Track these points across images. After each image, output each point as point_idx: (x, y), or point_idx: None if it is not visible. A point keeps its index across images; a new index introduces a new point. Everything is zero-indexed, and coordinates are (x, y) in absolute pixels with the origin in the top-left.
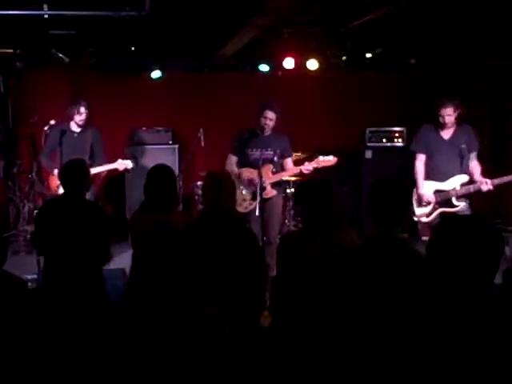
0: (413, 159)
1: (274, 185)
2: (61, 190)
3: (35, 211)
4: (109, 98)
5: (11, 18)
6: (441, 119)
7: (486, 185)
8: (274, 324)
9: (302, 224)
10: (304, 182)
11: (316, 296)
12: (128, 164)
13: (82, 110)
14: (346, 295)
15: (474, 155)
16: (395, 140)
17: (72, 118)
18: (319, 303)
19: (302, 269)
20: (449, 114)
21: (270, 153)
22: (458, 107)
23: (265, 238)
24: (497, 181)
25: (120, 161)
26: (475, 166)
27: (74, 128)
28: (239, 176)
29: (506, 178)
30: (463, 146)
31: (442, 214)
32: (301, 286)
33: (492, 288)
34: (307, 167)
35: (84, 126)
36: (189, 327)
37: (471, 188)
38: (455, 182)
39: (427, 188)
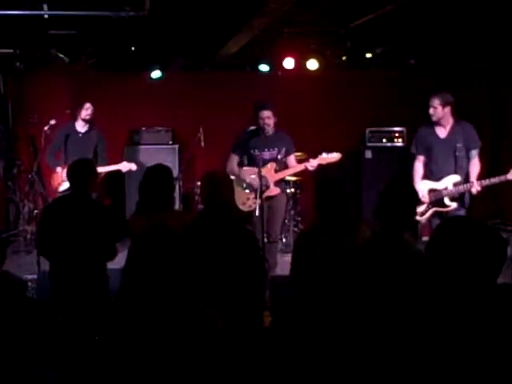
0: (413, 159)
1: (278, 183)
2: (61, 188)
3: (35, 211)
4: (109, 98)
5: (11, 18)
6: (429, 110)
7: (474, 187)
8: (274, 324)
9: (317, 221)
10: (323, 179)
11: (324, 293)
12: (132, 166)
13: (88, 105)
14: (347, 293)
15: (474, 153)
16: (395, 140)
17: (77, 118)
18: (326, 300)
19: (313, 266)
20: (434, 107)
21: (273, 152)
22: (445, 102)
23: (266, 237)
24: (485, 182)
25: (125, 163)
26: (474, 165)
27: (80, 128)
28: (240, 175)
29: (493, 180)
30: (459, 144)
31: (435, 213)
32: (311, 283)
33: (492, 291)
34: (312, 164)
35: (89, 126)
36: (181, 325)
37: (461, 188)
38: (447, 182)
39: (422, 187)
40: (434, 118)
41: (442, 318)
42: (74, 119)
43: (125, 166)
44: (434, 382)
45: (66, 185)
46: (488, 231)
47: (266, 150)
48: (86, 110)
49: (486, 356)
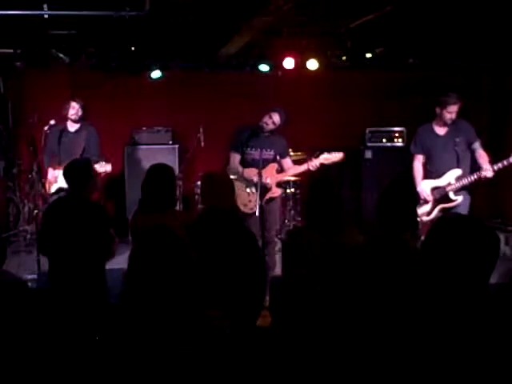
0: (412, 159)
1: (279, 184)
2: (52, 190)
3: (35, 211)
4: (109, 98)
5: (11, 18)
6: (447, 116)
7: (490, 171)
8: (274, 323)
9: (306, 222)
10: (312, 181)
11: (318, 294)
12: (107, 167)
13: (73, 104)
14: (348, 293)
15: (477, 145)
16: (395, 140)
17: (66, 118)
18: (321, 301)
19: (305, 266)
20: (456, 111)
21: (270, 153)
22: (461, 103)
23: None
24: (497, 166)
25: (101, 163)
26: (482, 156)
27: (70, 128)
28: (244, 175)
29: (506, 162)
30: (457, 139)
31: (442, 209)
32: (304, 283)
33: (486, 288)
34: (314, 163)
35: (79, 125)
36: (187, 328)
37: (465, 180)
38: (450, 177)
39: (424, 186)
40: (451, 121)
41: (437, 315)
42: (66, 119)
43: (100, 168)
44: (432, 377)
45: (55, 186)
46: (480, 227)
47: (262, 150)
48: (73, 109)
49: (480, 354)
